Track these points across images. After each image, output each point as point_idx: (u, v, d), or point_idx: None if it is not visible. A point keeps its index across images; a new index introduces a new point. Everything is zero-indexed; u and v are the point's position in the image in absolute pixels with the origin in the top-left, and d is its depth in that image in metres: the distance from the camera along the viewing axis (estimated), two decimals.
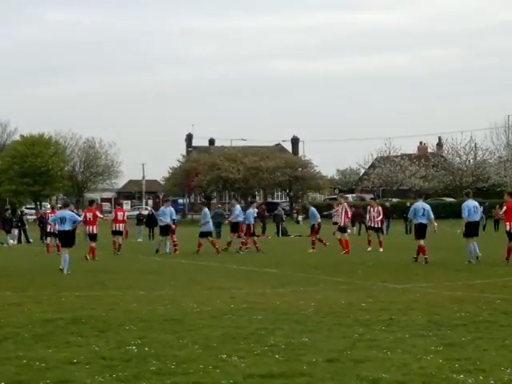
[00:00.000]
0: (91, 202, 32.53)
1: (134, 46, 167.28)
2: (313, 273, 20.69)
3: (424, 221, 24.76)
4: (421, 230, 24.79)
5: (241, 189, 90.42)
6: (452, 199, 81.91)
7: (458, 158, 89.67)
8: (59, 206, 39.99)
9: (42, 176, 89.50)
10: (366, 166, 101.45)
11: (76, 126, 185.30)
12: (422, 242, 24.50)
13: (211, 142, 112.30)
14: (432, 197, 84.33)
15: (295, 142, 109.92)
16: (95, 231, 28.73)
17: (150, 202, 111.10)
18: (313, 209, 32.53)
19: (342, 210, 30.33)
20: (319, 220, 31.60)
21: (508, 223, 23.05)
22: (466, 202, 24.25)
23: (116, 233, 31.83)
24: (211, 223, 32.14)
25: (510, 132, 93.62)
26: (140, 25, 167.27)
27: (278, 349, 9.67)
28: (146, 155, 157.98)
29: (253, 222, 32.18)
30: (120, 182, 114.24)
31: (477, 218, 24.19)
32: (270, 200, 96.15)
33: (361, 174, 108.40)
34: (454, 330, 10.99)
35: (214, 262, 25.60)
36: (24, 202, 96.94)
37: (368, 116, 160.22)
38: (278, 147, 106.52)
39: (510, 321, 11.73)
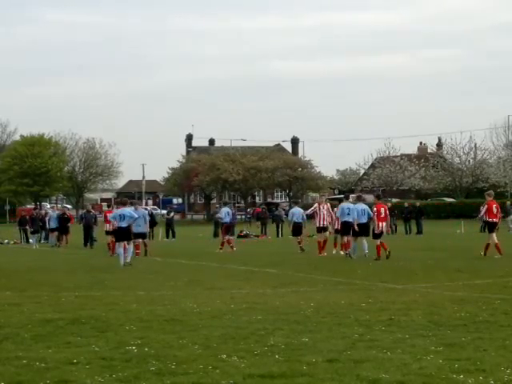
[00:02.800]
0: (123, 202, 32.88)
1: (134, 46, 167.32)
2: (313, 273, 20.68)
3: (350, 219, 26.66)
4: (347, 228, 26.86)
5: (240, 189, 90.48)
6: (452, 199, 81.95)
7: (457, 158, 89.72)
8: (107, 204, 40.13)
9: (42, 176, 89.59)
10: (366, 167, 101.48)
11: (76, 127, 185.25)
12: (345, 238, 27.32)
13: (211, 142, 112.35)
14: (432, 197, 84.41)
15: (295, 142, 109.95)
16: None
17: (150, 202, 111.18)
18: (293, 209, 32.64)
19: (322, 210, 29.28)
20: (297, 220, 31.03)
21: (491, 219, 26.02)
22: (355, 205, 27.06)
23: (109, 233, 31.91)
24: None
25: (509, 132, 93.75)
26: (140, 25, 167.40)
27: (277, 349, 9.66)
28: (146, 155, 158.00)
29: (228, 222, 32.54)
30: (120, 183, 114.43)
31: (364, 220, 26.46)
32: (269, 200, 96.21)
33: (361, 174, 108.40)
34: (454, 330, 10.98)
35: (214, 262, 25.58)
36: (24, 203, 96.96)
37: (368, 116, 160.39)
38: (278, 147, 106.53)
39: (510, 321, 11.72)
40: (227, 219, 32.69)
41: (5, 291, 16.59)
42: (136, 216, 25.74)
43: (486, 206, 26.39)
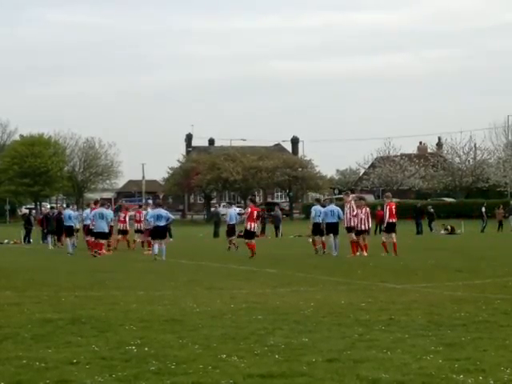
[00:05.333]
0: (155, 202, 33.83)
1: (134, 45, 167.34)
2: (312, 273, 20.68)
3: (319, 220, 28.93)
4: (317, 228, 29.17)
5: (240, 189, 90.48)
6: (452, 199, 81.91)
7: (457, 158, 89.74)
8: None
9: (42, 176, 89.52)
10: (366, 166, 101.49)
11: (75, 127, 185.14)
12: (316, 237, 29.35)
13: (211, 142, 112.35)
14: (431, 197, 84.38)
15: (295, 142, 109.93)
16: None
17: (150, 201, 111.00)
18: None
19: (361, 214, 28.78)
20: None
21: (391, 219, 27.77)
22: (325, 207, 29.27)
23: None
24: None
25: (509, 132, 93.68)
26: (140, 25, 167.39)
27: (277, 349, 9.66)
28: (146, 155, 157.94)
29: (234, 223, 33.30)
30: (120, 182, 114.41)
31: (334, 220, 28.38)
32: (269, 200, 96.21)
33: (360, 173, 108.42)
34: (453, 330, 10.98)
35: (213, 262, 25.59)
36: (24, 202, 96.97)
37: (368, 116, 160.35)
38: (278, 147, 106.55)
39: (509, 321, 11.72)
40: (234, 221, 32.98)
41: (5, 291, 16.59)
42: (172, 217, 29.39)
43: (387, 207, 28.21)
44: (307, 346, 9.85)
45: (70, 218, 32.31)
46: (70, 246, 31.65)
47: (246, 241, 28.53)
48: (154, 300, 14.88)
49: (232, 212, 33.93)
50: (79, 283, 18.45)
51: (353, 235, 27.91)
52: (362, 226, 28.31)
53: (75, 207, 39.44)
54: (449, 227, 49.81)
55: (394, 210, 28.22)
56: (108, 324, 11.81)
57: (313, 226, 29.51)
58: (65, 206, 45.08)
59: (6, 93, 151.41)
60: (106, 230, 30.08)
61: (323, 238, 28.94)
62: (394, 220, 27.98)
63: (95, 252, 29.25)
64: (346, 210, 28.56)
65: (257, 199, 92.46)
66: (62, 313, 13.10)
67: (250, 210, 29.22)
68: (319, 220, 28.96)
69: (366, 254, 27.65)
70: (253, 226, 28.78)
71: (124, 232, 34.38)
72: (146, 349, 9.73)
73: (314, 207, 30.38)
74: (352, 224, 28.06)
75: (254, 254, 27.43)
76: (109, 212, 30.96)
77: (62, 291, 16.48)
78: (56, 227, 36.44)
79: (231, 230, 33.22)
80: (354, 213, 28.28)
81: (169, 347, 9.86)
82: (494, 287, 16.54)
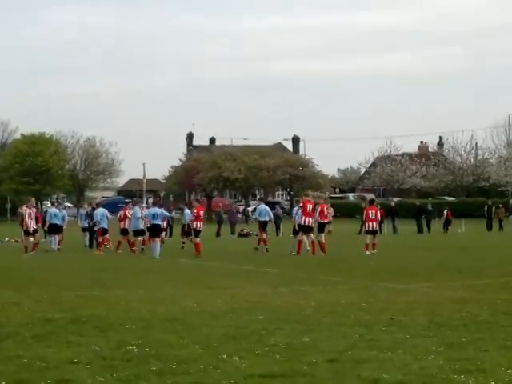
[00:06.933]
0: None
1: (135, 45, 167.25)
2: (313, 272, 20.68)
3: (266, 218, 31.33)
4: (264, 226, 31.33)
5: (241, 188, 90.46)
6: (453, 198, 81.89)
7: (458, 157, 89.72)
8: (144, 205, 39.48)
9: (43, 175, 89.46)
10: (367, 165, 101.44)
11: (77, 125, 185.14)
12: (264, 235, 31.19)
13: (212, 140, 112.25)
14: (432, 196, 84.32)
15: (296, 140, 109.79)
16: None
17: (151, 200, 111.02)
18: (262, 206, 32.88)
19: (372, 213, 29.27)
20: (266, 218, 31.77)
21: (304, 218, 28.08)
22: (260, 206, 32.58)
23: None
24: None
25: (510, 131, 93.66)
26: (141, 24, 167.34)
27: (278, 349, 9.66)
28: (147, 154, 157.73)
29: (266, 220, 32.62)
30: (121, 181, 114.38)
31: (267, 218, 31.38)
32: (270, 199, 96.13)
33: (361, 173, 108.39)
34: (454, 330, 10.98)
35: (214, 261, 25.59)
36: (25, 201, 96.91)
37: (369, 115, 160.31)
38: (279, 146, 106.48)
39: (511, 321, 11.71)
40: (266, 217, 32.32)
41: (5, 290, 16.57)
42: (168, 215, 31.14)
43: (319, 208, 29.12)
44: (308, 346, 9.85)
45: (55, 216, 33.70)
46: (54, 242, 32.94)
47: (195, 239, 29.46)
48: (155, 299, 14.87)
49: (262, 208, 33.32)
50: (80, 282, 18.46)
51: (322, 235, 28.67)
52: (373, 226, 28.71)
53: (60, 207, 39.13)
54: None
55: (325, 210, 29.81)
56: (109, 323, 11.81)
57: (259, 223, 31.58)
58: (49, 204, 45.35)
59: (7, 92, 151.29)
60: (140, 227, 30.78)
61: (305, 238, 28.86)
62: (325, 220, 29.50)
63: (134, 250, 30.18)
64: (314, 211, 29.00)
65: (257, 198, 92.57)
66: (62, 312, 13.08)
67: (196, 210, 30.25)
68: (265, 218, 31.20)
69: (374, 251, 28.11)
70: (199, 225, 29.62)
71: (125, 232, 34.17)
72: (147, 349, 9.73)
73: (259, 207, 32.59)
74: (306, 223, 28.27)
75: (200, 253, 28.41)
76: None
77: (62, 290, 16.47)
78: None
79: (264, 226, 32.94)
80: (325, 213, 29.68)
81: (170, 347, 9.86)
82: (494, 287, 16.55)
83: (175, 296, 15.43)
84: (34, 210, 32.31)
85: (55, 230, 33.53)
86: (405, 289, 16.48)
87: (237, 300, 14.58)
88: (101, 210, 33.34)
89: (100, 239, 32.33)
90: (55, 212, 34.34)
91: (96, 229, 33.15)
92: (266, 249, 30.55)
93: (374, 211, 29.31)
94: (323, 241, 28.36)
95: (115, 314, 12.87)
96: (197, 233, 29.55)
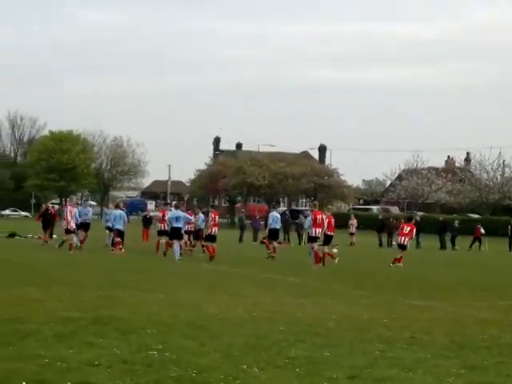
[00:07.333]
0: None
1: (167, 46, 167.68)
2: (334, 284, 20.61)
3: (277, 226, 32.82)
4: (274, 234, 32.62)
5: (266, 194, 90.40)
6: (478, 216, 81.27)
7: (485, 174, 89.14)
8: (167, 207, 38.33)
9: (69, 172, 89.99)
10: (393, 178, 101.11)
11: (105, 124, 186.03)
12: (275, 243, 32.14)
13: (238, 146, 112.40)
14: (457, 212, 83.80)
15: (322, 149, 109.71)
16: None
17: (174, 203, 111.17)
18: (274, 214, 33.49)
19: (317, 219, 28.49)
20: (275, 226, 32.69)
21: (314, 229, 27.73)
22: (272, 213, 33.76)
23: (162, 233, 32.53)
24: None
25: None
26: (165, 26, 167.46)
27: (298, 362, 9.63)
28: (173, 156, 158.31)
29: (277, 228, 33.42)
30: (145, 182, 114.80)
31: (277, 226, 32.86)
32: (294, 207, 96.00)
33: (387, 185, 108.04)
34: (476, 352, 10.89)
35: (235, 267, 25.59)
36: (49, 198, 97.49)
37: (397, 127, 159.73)
38: (305, 154, 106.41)
39: None
40: (276, 225, 32.80)
41: (29, 287, 16.65)
42: (191, 218, 30.69)
43: (327, 219, 28.35)
44: (328, 361, 9.80)
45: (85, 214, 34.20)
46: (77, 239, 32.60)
47: (207, 243, 30.01)
48: (176, 304, 14.87)
49: (273, 215, 33.64)
50: (101, 282, 18.49)
51: (325, 248, 28.45)
52: (403, 240, 29.19)
53: (86, 204, 39.48)
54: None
55: (332, 222, 28.98)
56: (130, 326, 11.81)
57: (269, 231, 32.68)
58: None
59: (36, 89, 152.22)
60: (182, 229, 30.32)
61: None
62: (331, 233, 28.76)
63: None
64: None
65: (281, 205, 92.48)
66: (84, 312, 13.11)
67: (213, 215, 30.81)
68: (276, 226, 32.54)
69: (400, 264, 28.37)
70: (214, 230, 30.08)
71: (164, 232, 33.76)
72: (167, 354, 9.73)
73: (271, 214, 33.53)
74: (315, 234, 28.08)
75: (213, 258, 28.72)
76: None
77: (84, 289, 16.53)
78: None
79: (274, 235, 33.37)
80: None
81: (190, 354, 9.85)
82: None
83: (196, 301, 15.42)
84: (75, 209, 32.62)
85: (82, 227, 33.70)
86: (427, 306, 16.37)
87: (258, 308, 14.56)
88: (117, 212, 33.14)
89: (117, 239, 32.32)
90: (83, 210, 34.70)
91: (270, 229, 33.11)
92: (273, 256, 30.91)
93: (409, 227, 29.58)
94: (326, 251, 28.23)
95: (137, 316, 12.88)
96: (213, 238, 29.87)
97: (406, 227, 29.62)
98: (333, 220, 29.25)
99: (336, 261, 28.37)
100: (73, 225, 31.17)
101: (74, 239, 31.48)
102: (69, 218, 31.15)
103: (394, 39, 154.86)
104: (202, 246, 32.78)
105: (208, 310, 14.12)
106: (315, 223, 27.95)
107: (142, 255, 30.56)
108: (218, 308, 14.33)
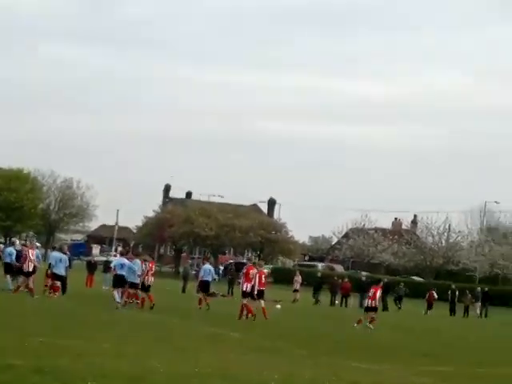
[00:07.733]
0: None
1: (123, 86, 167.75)
2: (278, 341, 20.60)
3: (209, 278, 32.71)
4: (205, 286, 32.56)
5: (212, 245, 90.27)
6: (421, 279, 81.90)
7: (430, 238, 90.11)
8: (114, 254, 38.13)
9: (15, 211, 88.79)
10: (340, 236, 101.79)
11: (55, 164, 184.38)
12: (203, 295, 32.17)
13: (188, 194, 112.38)
14: (401, 274, 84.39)
15: (272, 203, 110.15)
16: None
17: (120, 248, 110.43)
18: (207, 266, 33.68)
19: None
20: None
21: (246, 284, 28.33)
22: (205, 265, 33.72)
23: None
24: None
25: (484, 217, 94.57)
26: (129, 69, 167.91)
27: None
28: (122, 201, 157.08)
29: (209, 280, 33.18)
30: (92, 226, 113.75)
31: (209, 278, 32.75)
32: (239, 260, 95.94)
33: (333, 242, 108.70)
34: None
35: (178, 319, 25.45)
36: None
37: (346, 186, 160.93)
38: (254, 207, 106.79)
39: None
40: (208, 277, 32.74)
41: None
42: (135, 268, 29.52)
43: (257, 275, 28.62)
44: None
45: (9, 255, 32.97)
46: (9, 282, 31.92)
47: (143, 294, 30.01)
48: (119, 355, 14.72)
49: (206, 268, 33.50)
50: (44, 329, 18.21)
51: (262, 302, 28.62)
52: (371, 303, 29.44)
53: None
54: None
55: (263, 278, 29.21)
56: (71, 376, 11.65)
57: (200, 283, 32.76)
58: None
59: None
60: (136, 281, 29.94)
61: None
62: (262, 288, 28.80)
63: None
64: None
65: (226, 256, 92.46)
66: (25, 359, 12.90)
67: (150, 265, 30.98)
68: (208, 278, 32.50)
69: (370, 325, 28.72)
70: (151, 279, 30.41)
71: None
72: None
73: (203, 267, 33.52)
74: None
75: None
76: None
77: (26, 336, 16.24)
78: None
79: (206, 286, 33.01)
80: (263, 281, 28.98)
81: None
82: (459, 377, 16.56)
83: (139, 353, 15.27)
84: (35, 251, 32.06)
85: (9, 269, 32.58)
86: (368, 369, 16.44)
87: (201, 364, 14.47)
88: (57, 255, 31.75)
89: (50, 283, 31.56)
90: (11, 250, 33.67)
91: (202, 280, 32.92)
92: (201, 307, 31.30)
93: (374, 290, 29.84)
94: (263, 306, 28.36)
95: (78, 367, 12.70)
96: (148, 288, 30.02)
97: (371, 290, 30.00)
98: (263, 276, 29.40)
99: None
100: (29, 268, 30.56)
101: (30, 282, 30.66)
102: (28, 261, 30.72)
103: (342, 96, 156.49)
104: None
105: (150, 363, 14.00)
106: (247, 278, 28.49)
107: (86, 302, 30.20)
108: (161, 361, 14.22)
